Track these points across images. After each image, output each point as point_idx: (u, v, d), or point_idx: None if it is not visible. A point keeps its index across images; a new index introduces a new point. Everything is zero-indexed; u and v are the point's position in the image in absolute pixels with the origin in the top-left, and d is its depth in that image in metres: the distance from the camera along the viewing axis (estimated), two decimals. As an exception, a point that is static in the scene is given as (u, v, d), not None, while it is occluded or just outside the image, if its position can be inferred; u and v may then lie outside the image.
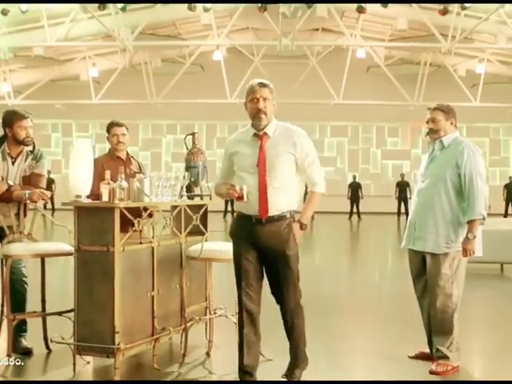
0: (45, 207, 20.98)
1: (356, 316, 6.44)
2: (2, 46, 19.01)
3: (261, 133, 3.75)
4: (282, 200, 3.73)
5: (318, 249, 13.98)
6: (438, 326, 4.25)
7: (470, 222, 4.15)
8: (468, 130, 23.66)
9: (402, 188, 23.37)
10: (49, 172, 23.75)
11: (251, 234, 3.73)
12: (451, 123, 4.36)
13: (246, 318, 3.74)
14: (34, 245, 4.47)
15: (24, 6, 15.56)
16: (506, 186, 23.44)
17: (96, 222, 3.88)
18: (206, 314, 4.65)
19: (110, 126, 5.14)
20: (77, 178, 3.90)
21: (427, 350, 4.45)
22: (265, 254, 3.77)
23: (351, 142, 27.66)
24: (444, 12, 15.92)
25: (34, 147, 4.66)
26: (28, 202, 4.43)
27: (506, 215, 21.97)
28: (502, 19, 17.29)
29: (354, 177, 24.40)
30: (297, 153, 3.75)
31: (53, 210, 20.77)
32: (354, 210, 23.40)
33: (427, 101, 22.17)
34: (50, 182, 23.28)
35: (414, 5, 17.62)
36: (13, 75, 23.64)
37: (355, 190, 23.55)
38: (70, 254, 4.20)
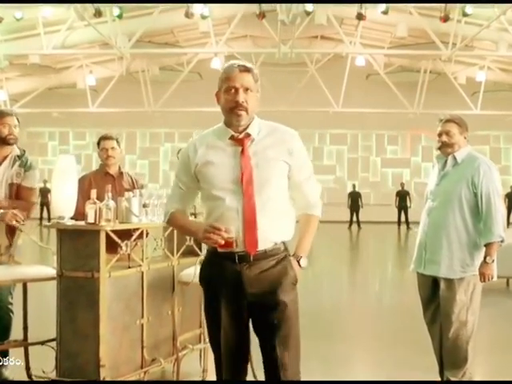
0: (41, 219, 20.74)
1: (358, 336, 6.15)
2: (-3, 54, 18.78)
3: (241, 135, 2.69)
4: (277, 228, 2.70)
5: (316, 260, 13.68)
6: (450, 355, 3.93)
7: (488, 245, 3.83)
8: (468, 138, 23.42)
9: (402, 197, 23.23)
10: (45, 181, 23.53)
11: (234, 278, 2.66)
12: (464, 137, 4.07)
13: None
14: (15, 268, 4.14)
15: (18, 14, 15.30)
16: (508, 195, 23.17)
17: (80, 246, 3.57)
18: (200, 341, 4.35)
19: (100, 140, 4.90)
20: (59, 198, 3.61)
21: (438, 379, 4.14)
22: (253, 304, 2.69)
23: (350, 150, 27.42)
24: (445, 19, 15.68)
25: (23, 154, 4.36)
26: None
27: (507, 225, 21.71)
28: (502, 26, 17.08)
29: (354, 186, 24.17)
30: (292, 162, 2.73)
31: (49, 220, 20.46)
32: (354, 219, 23.13)
33: (427, 109, 22.07)
34: (46, 191, 23.02)
35: (413, 12, 17.42)
36: (9, 83, 23.41)
37: (355, 199, 23.29)
38: (53, 278, 3.89)
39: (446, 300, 3.92)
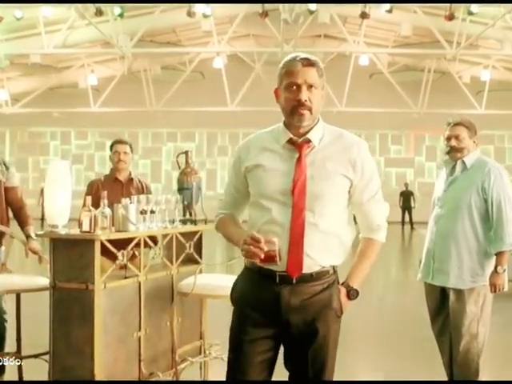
0: (42, 219, 20.58)
1: (360, 344, 5.95)
2: (-2, 54, 18.66)
3: (300, 139, 2.36)
4: (327, 250, 2.36)
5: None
6: (461, 369, 3.75)
7: (499, 254, 3.66)
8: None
9: (406, 197, 23.09)
10: (46, 181, 23.43)
11: (270, 300, 2.33)
12: (474, 141, 3.90)
13: None
14: (7, 278, 3.98)
15: (19, 13, 15.18)
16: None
17: (74, 256, 3.40)
18: (200, 354, 4.19)
19: (113, 143, 4.81)
20: (52, 206, 3.45)
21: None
22: (289, 333, 2.37)
23: (354, 149, 27.22)
24: (450, 17, 15.51)
25: None
26: None
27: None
28: (508, 25, 16.91)
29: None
30: (356, 177, 2.39)
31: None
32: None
33: (431, 108, 21.94)
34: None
35: (418, 11, 17.28)
36: (10, 83, 23.32)
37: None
38: (47, 288, 3.74)
39: (456, 312, 3.75)
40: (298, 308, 2.33)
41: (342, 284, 2.44)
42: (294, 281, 2.32)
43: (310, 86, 2.32)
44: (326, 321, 2.37)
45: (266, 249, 2.18)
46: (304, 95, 2.31)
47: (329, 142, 2.39)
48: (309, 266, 2.32)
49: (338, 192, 2.37)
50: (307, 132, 2.37)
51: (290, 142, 2.37)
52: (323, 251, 2.35)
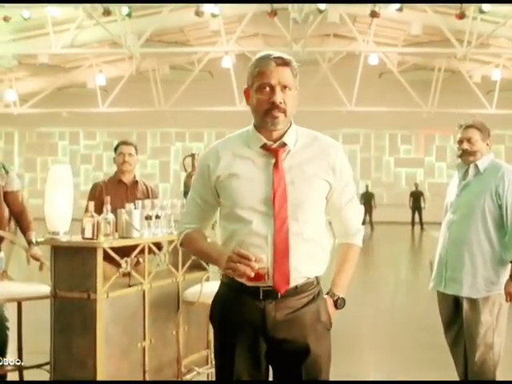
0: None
1: (369, 352, 5.81)
2: (6, 54, 18.60)
3: (275, 144, 2.21)
4: (312, 260, 2.23)
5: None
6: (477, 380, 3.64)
7: None
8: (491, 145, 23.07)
9: (416, 198, 22.94)
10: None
11: (255, 318, 2.17)
12: (487, 144, 3.76)
13: None
14: (8, 286, 3.89)
15: (26, 13, 15.13)
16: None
17: (75, 264, 3.31)
18: (207, 364, 4.07)
19: (118, 145, 4.71)
20: (53, 212, 3.35)
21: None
22: (276, 352, 2.21)
23: (363, 149, 27.08)
24: (461, 16, 15.33)
25: None
26: None
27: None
28: (519, 23, 16.71)
29: (367, 186, 23.88)
30: (334, 181, 2.25)
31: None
32: (367, 219, 22.81)
33: (441, 108, 21.74)
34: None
35: (428, 9, 17.09)
36: (18, 83, 23.29)
37: (368, 200, 22.98)
38: (49, 297, 3.64)
39: (470, 321, 3.61)
40: (284, 323, 2.17)
41: (327, 294, 2.31)
42: (280, 296, 2.17)
43: (284, 87, 2.18)
44: (316, 336, 2.22)
45: (256, 267, 2.02)
46: (278, 97, 2.16)
47: (304, 145, 2.25)
48: (294, 279, 2.17)
49: (318, 197, 2.24)
50: (281, 136, 2.22)
51: (264, 147, 2.22)
52: (308, 261, 2.20)
